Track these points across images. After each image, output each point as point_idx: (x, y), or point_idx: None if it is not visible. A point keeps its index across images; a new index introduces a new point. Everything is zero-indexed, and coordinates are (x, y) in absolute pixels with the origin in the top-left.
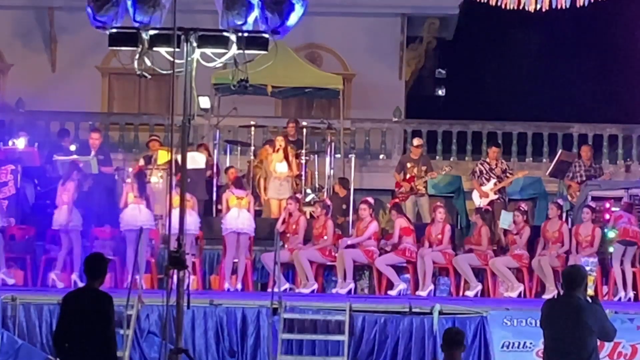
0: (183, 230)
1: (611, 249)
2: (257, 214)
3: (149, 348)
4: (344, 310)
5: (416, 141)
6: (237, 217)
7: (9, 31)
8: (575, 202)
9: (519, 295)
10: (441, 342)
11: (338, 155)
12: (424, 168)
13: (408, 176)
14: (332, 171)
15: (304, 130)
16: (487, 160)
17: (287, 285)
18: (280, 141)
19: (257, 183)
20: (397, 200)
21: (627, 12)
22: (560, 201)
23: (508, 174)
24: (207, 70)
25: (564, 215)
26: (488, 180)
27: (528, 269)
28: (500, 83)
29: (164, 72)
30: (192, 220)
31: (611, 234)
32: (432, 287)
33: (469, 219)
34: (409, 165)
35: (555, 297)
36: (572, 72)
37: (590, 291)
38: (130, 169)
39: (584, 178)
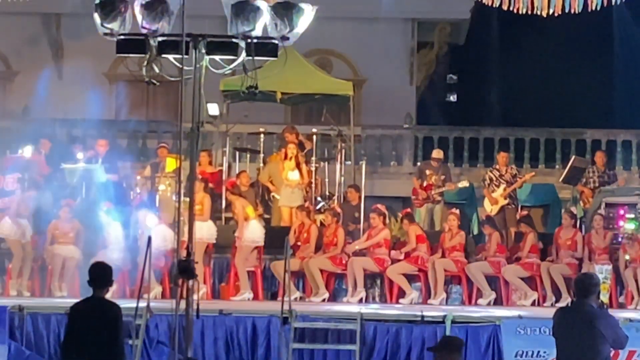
0: (192, 239)
1: (627, 257)
2: (266, 222)
3: (158, 358)
4: (356, 319)
5: (435, 153)
6: (259, 229)
7: (15, 38)
8: (589, 208)
9: (533, 304)
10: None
11: (348, 163)
12: (442, 177)
13: (426, 184)
14: (342, 178)
15: (314, 137)
16: (497, 167)
17: (297, 294)
18: (292, 149)
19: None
20: (409, 209)
21: None
22: (573, 209)
23: (517, 179)
24: (216, 76)
25: (578, 222)
26: (498, 186)
27: (541, 277)
28: (512, 88)
29: (173, 79)
30: (210, 229)
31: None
32: (444, 295)
33: (480, 227)
34: (428, 172)
35: (569, 305)
36: (585, 77)
37: (604, 298)
38: (139, 177)
39: (597, 184)
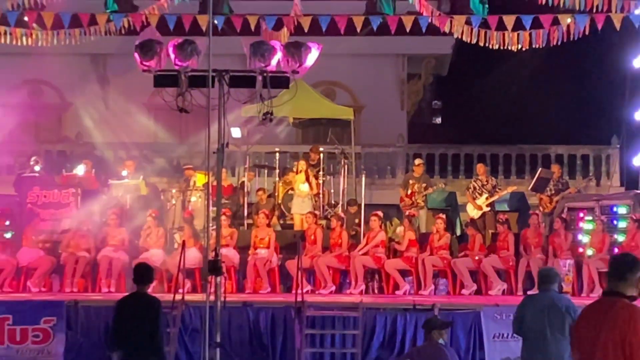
0: (219, 242)
1: (589, 252)
2: (289, 227)
3: (192, 343)
4: (358, 308)
5: (417, 161)
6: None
7: (68, 75)
8: (548, 212)
9: (503, 293)
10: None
11: (350, 176)
12: (424, 185)
13: (409, 192)
14: (346, 189)
15: (321, 154)
16: (479, 177)
17: (308, 288)
18: (302, 165)
19: (282, 202)
20: (414, 212)
21: (596, 49)
22: (538, 212)
23: (497, 189)
24: (238, 104)
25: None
26: (480, 194)
27: (515, 270)
28: (488, 112)
29: (202, 107)
30: (231, 254)
31: (585, 239)
32: (432, 287)
33: (462, 228)
34: (411, 182)
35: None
36: (550, 101)
37: (568, 288)
38: (174, 190)
39: (552, 191)
